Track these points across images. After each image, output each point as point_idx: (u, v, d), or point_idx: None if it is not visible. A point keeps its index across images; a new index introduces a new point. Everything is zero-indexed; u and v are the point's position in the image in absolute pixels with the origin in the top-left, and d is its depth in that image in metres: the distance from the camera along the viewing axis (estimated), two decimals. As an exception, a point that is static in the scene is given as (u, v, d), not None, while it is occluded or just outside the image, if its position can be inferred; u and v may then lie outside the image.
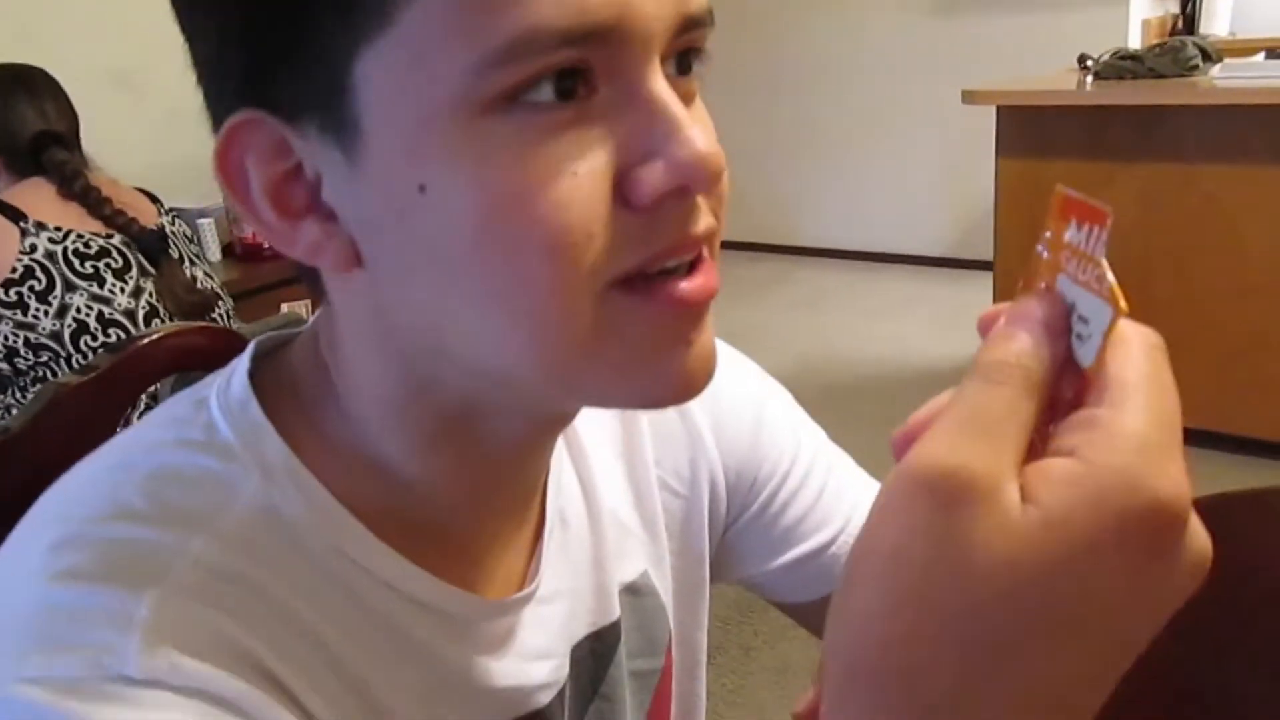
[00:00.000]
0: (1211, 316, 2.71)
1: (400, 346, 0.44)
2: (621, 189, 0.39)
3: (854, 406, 3.17)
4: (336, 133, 0.39)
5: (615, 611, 0.58)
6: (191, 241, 1.93)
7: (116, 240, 1.72)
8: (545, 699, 0.52)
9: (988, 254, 3.15)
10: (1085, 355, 0.31)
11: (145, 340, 0.75)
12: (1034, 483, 0.29)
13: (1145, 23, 4.62)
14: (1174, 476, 0.28)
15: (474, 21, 0.36)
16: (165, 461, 0.44)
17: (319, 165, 0.41)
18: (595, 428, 0.59)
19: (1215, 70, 2.84)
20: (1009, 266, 3.08)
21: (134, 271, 1.73)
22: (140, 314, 1.71)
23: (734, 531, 0.67)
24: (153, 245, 1.77)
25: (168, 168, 2.33)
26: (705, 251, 0.42)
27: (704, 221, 0.41)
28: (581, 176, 0.38)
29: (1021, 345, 0.31)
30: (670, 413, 0.63)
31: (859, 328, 4.22)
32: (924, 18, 4.78)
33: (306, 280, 0.46)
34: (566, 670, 0.54)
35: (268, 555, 0.43)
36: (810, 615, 0.68)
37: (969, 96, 2.96)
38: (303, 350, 0.49)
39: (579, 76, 0.38)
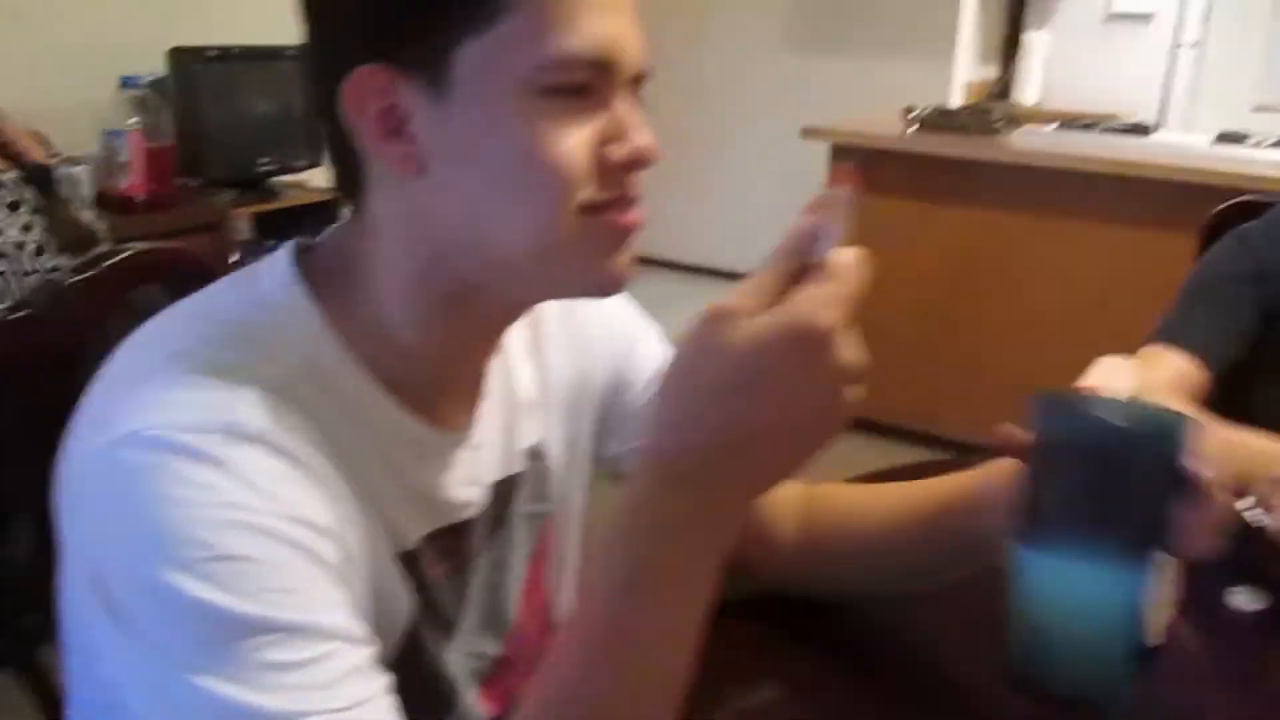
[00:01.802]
0: (999, 347, 3.09)
1: (431, 241, 0.65)
2: (598, 154, 0.63)
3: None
4: (435, 86, 0.61)
5: (519, 465, 0.80)
6: (72, 183, 2.02)
7: (11, 175, 1.81)
8: (470, 514, 0.74)
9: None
10: (821, 251, 0.54)
11: (133, 252, 0.91)
12: (767, 313, 0.53)
13: (968, 84, 5.11)
14: (826, 315, 0.52)
15: (541, 39, 0.60)
16: (235, 315, 0.64)
17: (411, 105, 0.61)
18: (515, 330, 0.81)
19: (1016, 134, 3.25)
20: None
21: (25, 207, 1.82)
22: (29, 247, 1.80)
23: (610, 416, 0.89)
24: (44, 180, 1.86)
25: (47, 113, 2.38)
26: (636, 201, 0.67)
27: (641, 183, 0.67)
28: (580, 142, 0.62)
29: (785, 242, 0.56)
30: (572, 323, 0.86)
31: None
32: (773, 52, 5.17)
33: (347, 193, 0.67)
34: (488, 499, 0.76)
35: (309, 387, 0.62)
36: None
37: (808, 133, 3.29)
38: (335, 246, 0.69)
39: (584, 86, 0.62)
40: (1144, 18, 5.24)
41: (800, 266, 0.54)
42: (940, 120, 3.30)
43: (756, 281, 0.54)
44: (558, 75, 0.60)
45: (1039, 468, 0.65)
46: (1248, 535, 1.07)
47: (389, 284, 0.67)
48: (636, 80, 0.66)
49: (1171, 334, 1.34)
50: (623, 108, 0.64)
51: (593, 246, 0.65)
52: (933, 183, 3.19)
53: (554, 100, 0.61)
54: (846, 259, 0.54)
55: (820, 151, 3.28)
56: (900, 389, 2.98)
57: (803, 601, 0.95)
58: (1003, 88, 5.47)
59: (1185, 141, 3.27)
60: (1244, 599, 0.99)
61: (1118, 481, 0.60)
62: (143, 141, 2.78)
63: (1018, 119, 3.34)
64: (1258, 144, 3.04)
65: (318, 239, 0.70)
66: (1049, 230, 3.02)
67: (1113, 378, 0.95)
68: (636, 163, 0.64)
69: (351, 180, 0.67)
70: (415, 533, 0.70)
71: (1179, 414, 0.63)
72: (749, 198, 5.33)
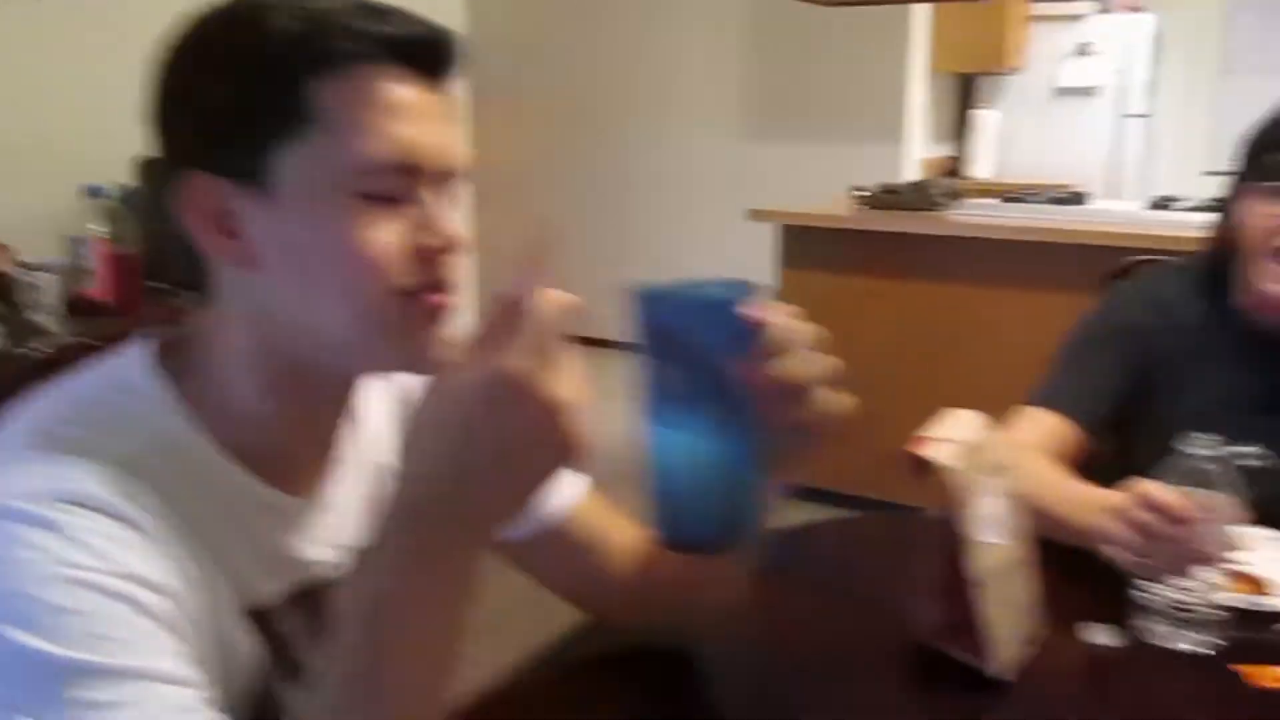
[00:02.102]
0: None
1: (268, 325, 0.73)
2: (410, 245, 0.71)
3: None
4: (261, 190, 0.69)
5: None
6: (34, 290, 2.11)
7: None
8: (333, 575, 0.80)
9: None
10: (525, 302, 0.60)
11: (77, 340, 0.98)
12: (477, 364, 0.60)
13: (924, 161, 5.28)
14: (519, 361, 0.58)
15: (348, 148, 0.69)
16: (92, 396, 0.72)
17: (241, 208, 0.70)
18: (381, 402, 0.88)
19: (956, 208, 3.37)
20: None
21: (-16, 313, 1.90)
22: (-14, 352, 1.88)
23: None
24: (5, 288, 1.95)
25: (12, 222, 2.48)
26: (446, 285, 0.74)
27: (451, 270, 0.74)
28: (392, 236, 0.71)
29: (497, 302, 0.62)
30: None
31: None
32: (730, 142, 5.34)
33: (197, 285, 0.76)
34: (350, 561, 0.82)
35: (157, 459, 0.69)
36: (516, 550, 0.96)
37: (755, 215, 3.41)
38: (188, 333, 0.77)
39: (397, 187, 0.71)
40: (1089, 91, 5.43)
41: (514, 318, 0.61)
42: (884, 199, 3.42)
43: (475, 338, 0.62)
44: (366, 181, 0.69)
45: (642, 352, 0.70)
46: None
47: (234, 363, 0.75)
48: (447, 176, 0.75)
49: (1044, 395, 1.40)
50: (431, 202, 0.73)
51: (408, 327, 0.72)
52: (878, 258, 3.30)
53: (367, 200, 0.70)
54: (543, 305, 0.60)
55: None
56: (851, 457, 3.04)
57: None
58: (957, 165, 5.64)
59: (1118, 208, 3.40)
60: (1102, 635, 1.05)
61: (692, 353, 0.67)
62: (108, 248, 2.88)
63: (959, 193, 3.46)
64: (1184, 207, 3.15)
65: (175, 329, 0.78)
66: (988, 298, 3.12)
67: (957, 429, 1.02)
68: (445, 251, 0.73)
69: (199, 273, 0.75)
70: (269, 590, 0.76)
71: (742, 281, 0.70)
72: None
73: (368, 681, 0.60)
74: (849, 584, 1.25)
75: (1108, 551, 1.09)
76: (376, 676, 0.61)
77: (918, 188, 3.42)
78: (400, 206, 0.71)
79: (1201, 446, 1.04)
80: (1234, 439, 1.31)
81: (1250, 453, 1.36)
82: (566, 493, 0.97)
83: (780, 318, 0.69)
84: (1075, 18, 5.47)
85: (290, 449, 0.78)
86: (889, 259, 3.29)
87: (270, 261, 0.71)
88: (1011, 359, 3.21)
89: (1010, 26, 5.21)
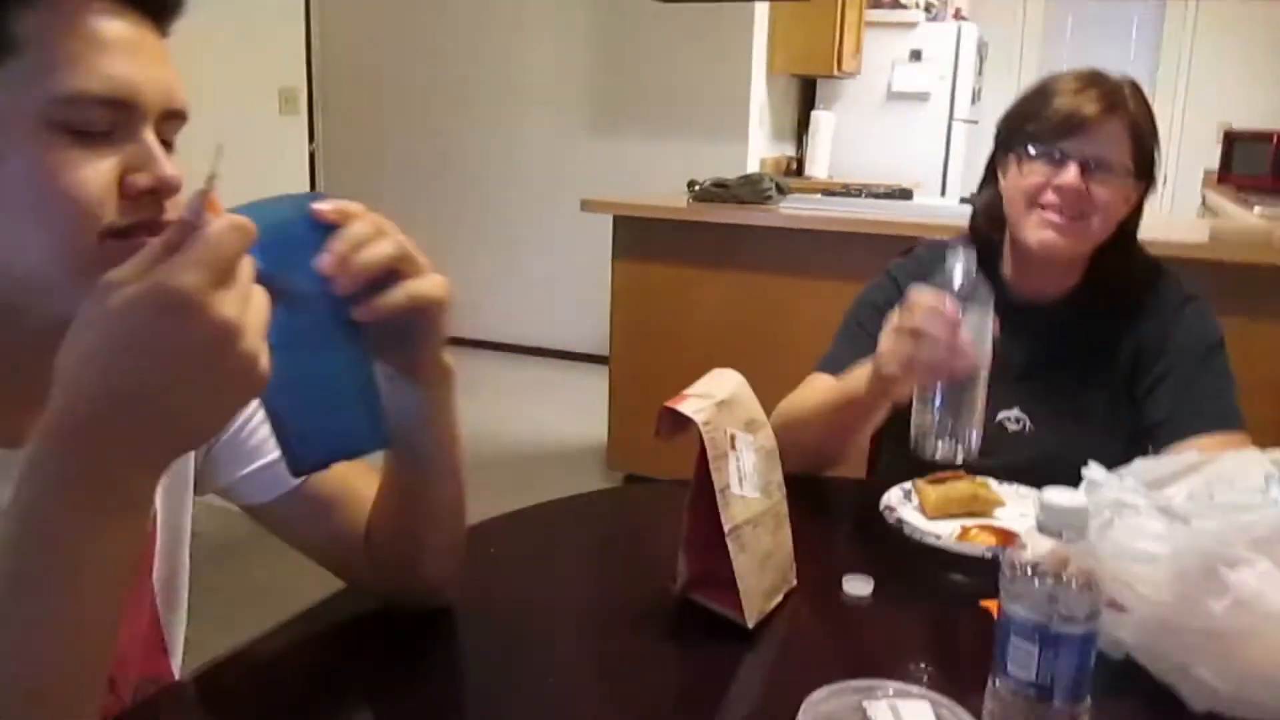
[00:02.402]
0: (767, 400, 3.24)
1: None
2: (122, 183, 0.69)
3: (497, 476, 3.46)
4: None
5: None
6: None
7: None
8: None
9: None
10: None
11: None
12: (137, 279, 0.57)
13: (765, 160, 5.40)
14: (187, 276, 0.55)
15: (51, 79, 0.66)
16: None
17: None
18: None
19: (784, 201, 3.46)
20: (621, 355, 3.53)
21: None
22: None
23: (216, 446, 0.93)
24: None
25: None
26: (161, 226, 0.70)
27: (166, 214, 0.72)
28: (98, 172, 0.68)
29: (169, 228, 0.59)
30: None
31: (504, 410, 4.56)
32: (578, 139, 5.36)
33: None
34: None
35: None
36: (265, 515, 0.94)
37: (586, 205, 3.42)
38: None
39: (106, 121, 0.68)
40: (921, 96, 5.65)
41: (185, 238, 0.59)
42: (714, 191, 3.47)
43: (139, 256, 0.58)
44: (70, 112, 0.67)
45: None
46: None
47: None
48: (169, 117, 0.72)
49: (826, 362, 1.46)
50: (149, 140, 0.70)
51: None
52: (707, 249, 3.36)
53: (72, 134, 0.67)
54: (216, 227, 0.58)
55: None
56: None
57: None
58: (797, 164, 5.79)
59: (935, 203, 3.54)
60: (859, 585, 1.08)
61: (279, 274, 0.64)
62: None
63: (787, 188, 3.55)
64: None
65: None
66: (811, 288, 3.20)
67: (713, 387, 1.04)
68: (160, 191, 0.70)
69: None
70: None
71: (306, 194, 0.71)
72: (557, 275, 5.47)
73: (12, 611, 0.58)
74: (614, 546, 1.27)
75: (885, 367, 1.17)
76: (24, 605, 0.58)
77: (748, 181, 3.49)
78: (113, 144, 0.69)
79: (961, 264, 1.15)
80: (996, 403, 1.40)
81: (1009, 416, 1.45)
82: None
83: (349, 213, 0.69)
84: (907, 25, 5.69)
85: (5, 398, 0.74)
86: (718, 249, 3.35)
87: None
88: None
89: (846, 32, 5.37)
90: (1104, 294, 1.45)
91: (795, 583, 1.06)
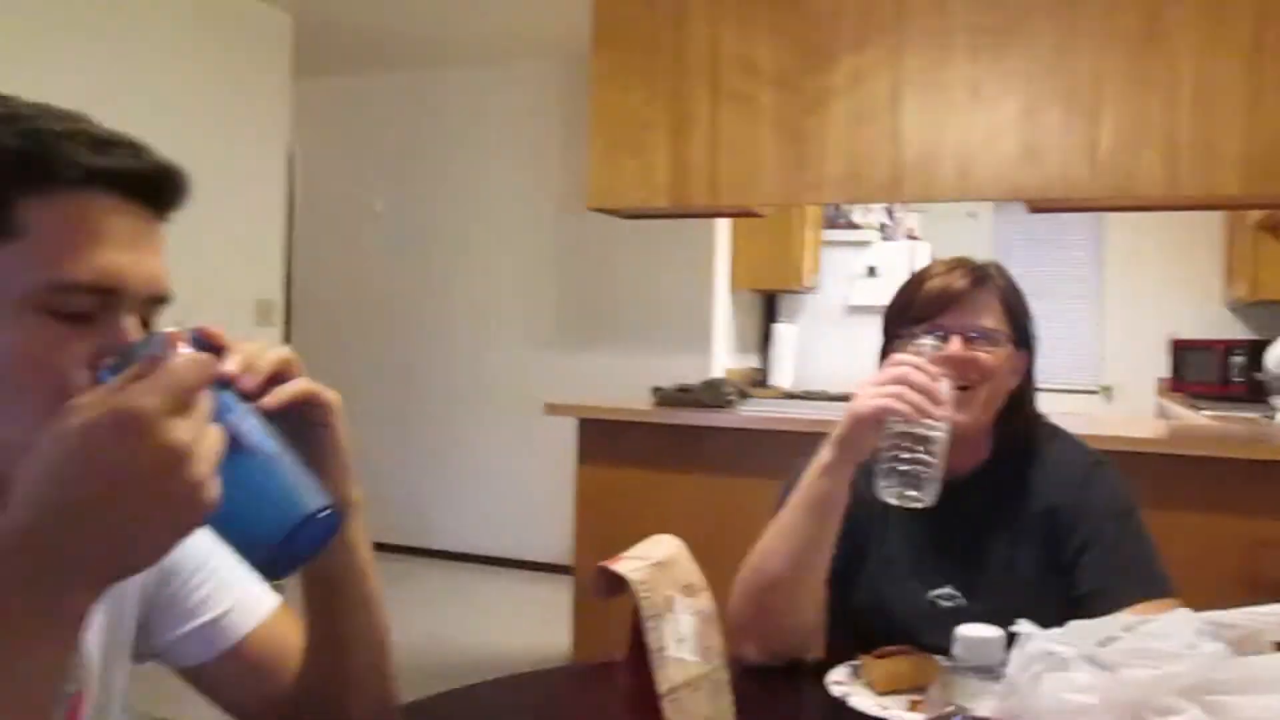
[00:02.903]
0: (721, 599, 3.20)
1: None
2: (97, 363, 0.71)
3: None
4: None
5: None
6: None
7: None
8: None
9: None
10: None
11: None
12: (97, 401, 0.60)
13: (728, 371, 5.52)
14: (146, 399, 0.58)
15: (48, 265, 0.70)
16: None
17: None
18: None
19: (744, 405, 3.53)
20: (584, 564, 3.50)
21: None
22: None
23: (155, 607, 0.93)
24: None
25: None
26: None
27: None
28: (75, 354, 0.71)
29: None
30: None
31: (465, 622, 4.46)
32: (543, 351, 5.50)
33: None
34: None
35: None
36: (203, 677, 0.93)
37: (551, 409, 3.48)
38: None
39: (92, 309, 0.72)
40: (878, 310, 5.83)
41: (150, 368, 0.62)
42: (677, 396, 3.55)
43: (104, 385, 0.62)
44: (60, 298, 0.70)
45: None
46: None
47: None
48: (152, 301, 0.76)
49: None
50: (126, 325, 0.74)
51: None
52: (669, 451, 3.40)
53: (55, 317, 0.71)
54: (177, 359, 0.62)
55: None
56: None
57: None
58: (762, 375, 5.93)
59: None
60: None
61: None
62: None
63: (747, 392, 3.63)
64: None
65: None
66: (775, 489, 3.22)
67: (652, 550, 1.06)
68: None
69: None
70: None
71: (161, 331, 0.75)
72: (520, 485, 5.49)
73: None
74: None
75: (864, 405, 1.30)
76: None
77: (710, 385, 3.58)
78: (93, 325, 0.72)
79: (930, 341, 1.35)
80: (927, 584, 1.43)
81: (942, 594, 1.45)
82: (248, 612, 0.95)
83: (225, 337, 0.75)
84: (862, 244, 5.97)
85: None
86: (681, 452, 3.39)
87: None
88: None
89: (805, 249, 5.63)
90: (1012, 460, 1.50)
91: (737, 752, 1.04)
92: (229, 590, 0.95)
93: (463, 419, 5.68)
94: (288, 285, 5.17)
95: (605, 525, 3.46)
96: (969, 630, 0.72)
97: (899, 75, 3.23)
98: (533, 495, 5.38)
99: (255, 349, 0.76)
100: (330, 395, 0.83)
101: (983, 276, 1.48)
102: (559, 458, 5.11)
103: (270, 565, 0.70)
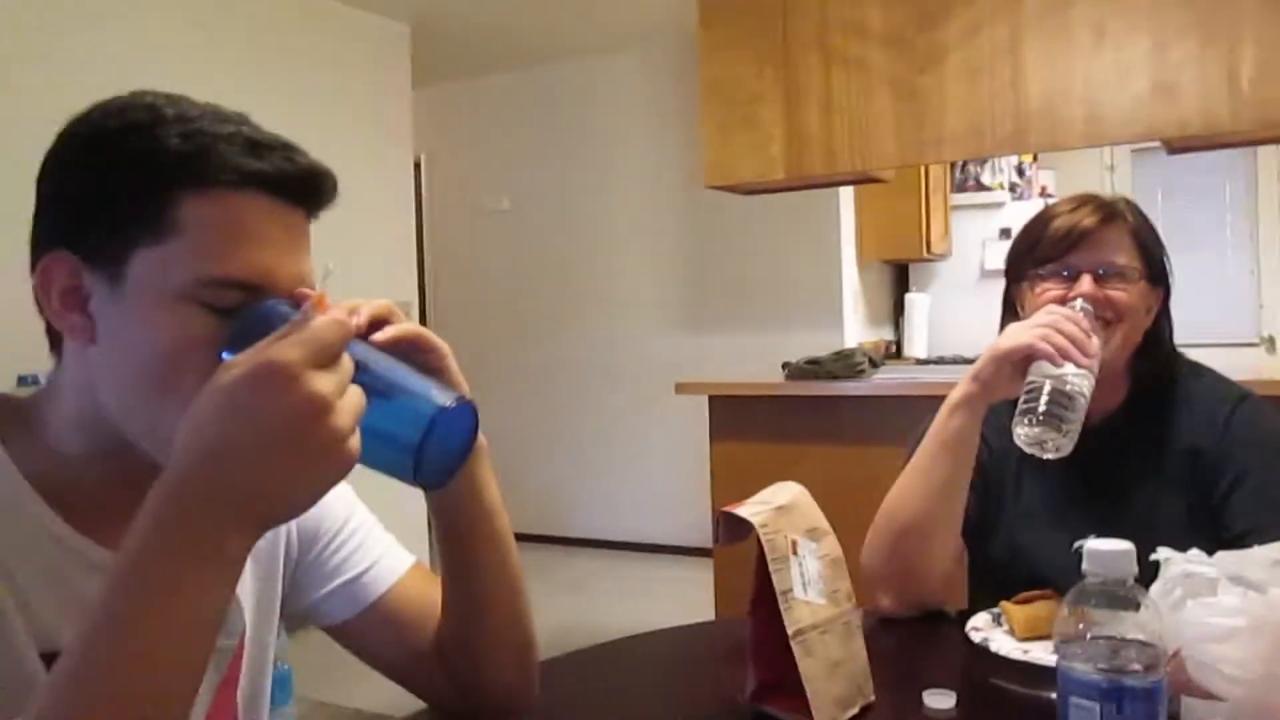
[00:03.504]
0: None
1: (96, 397, 0.78)
2: None
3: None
4: (111, 278, 0.75)
5: None
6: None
7: None
8: None
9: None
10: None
11: None
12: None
13: (860, 344, 5.44)
14: (287, 352, 0.63)
15: (201, 261, 0.74)
16: None
17: (92, 288, 0.76)
18: None
19: (876, 373, 3.48)
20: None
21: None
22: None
23: (301, 567, 0.98)
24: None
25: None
26: None
27: None
28: (219, 345, 0.74)
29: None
30: None
31: (610, 608, 4.52)
32: (673, 334, 5.52)
33: (52, 345, 0.81)
34: None
35: None
36: (347, 633, 0.98)
37: (681, 389, 3.49)
38: (28, 396, 0.82)
39: (241, 303, 0.76)
40: (1014, 273, 5.67)
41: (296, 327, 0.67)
42: (807, 369, 3.52)
43: (256, 344, 0.66)
44: (212, 292, 0.75)
45: None
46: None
47: (64, 423, 0.80)
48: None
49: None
50: None
51: None
52: (803, 424, 3.37)
53: (207, 311, 0.75)
54: (320, 319, 0.66)
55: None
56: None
57: None
58: (896, 346, 5.82)
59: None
60: (939, 700, 1.05)
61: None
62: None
63: (881, 362, 3.57)
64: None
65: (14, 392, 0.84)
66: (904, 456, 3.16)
67: (776, 495, 1.06)
68: None
69: (54, 337, 0.81)
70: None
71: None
72: (654, 471, 5.53)
73: (103, 662, 0.61)
74: (684, 665, 1.25)
75: (1015, 338, 1.27)
76: (114, 654, 0.61)
77: (840, 356, 3.53)
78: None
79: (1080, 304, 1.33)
80: (1070, 533, 1.37)
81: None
82: (387, 570, 1.00)
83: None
84: (993, 205, 5.80)
85: (109, 504, 0.80)
86: (813, 424, 3.36)
87: (107, 344, 0.76)
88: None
89: (932, 216, 5.50)
90: (1151, 401, 1.43)
91: (873, 698, 1.03)
92: (369, 551, 1.00)
93: (597, 407, 5.76)
94: (421, 286, 5.34)
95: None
96: (1098, 543, 0.70)
97: (1017, 21, 3.13)
98: (671, 481, 5.42)
99: (357, 302, 0.81)
100: (438, 340, 0.86)
101: (1112, 213, 1.41)
102: (698, 441, 5.17)
103: (421, 468, 0.70)
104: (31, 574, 0.75)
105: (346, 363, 0.66)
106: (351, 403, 0.65)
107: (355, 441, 0.65)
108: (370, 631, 0.98)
